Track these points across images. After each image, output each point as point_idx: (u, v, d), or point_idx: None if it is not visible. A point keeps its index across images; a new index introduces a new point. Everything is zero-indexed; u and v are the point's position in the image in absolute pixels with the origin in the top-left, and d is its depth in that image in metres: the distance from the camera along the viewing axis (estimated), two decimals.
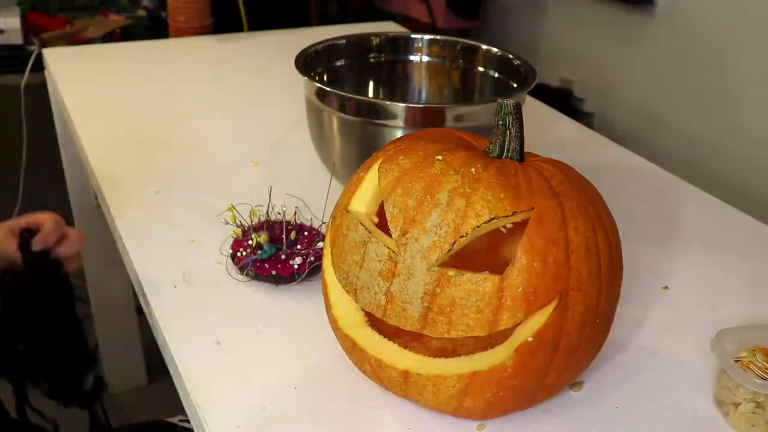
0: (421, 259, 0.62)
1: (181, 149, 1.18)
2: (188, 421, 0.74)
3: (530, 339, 0.61)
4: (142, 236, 0.95)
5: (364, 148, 0.95)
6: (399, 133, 0.93)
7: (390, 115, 0.93)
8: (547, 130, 1.34)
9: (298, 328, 0.80)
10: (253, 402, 0.70)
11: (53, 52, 1.55)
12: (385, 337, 0.68)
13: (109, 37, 2.04)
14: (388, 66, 1.18)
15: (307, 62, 1.06)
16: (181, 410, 0.75)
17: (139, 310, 1.75)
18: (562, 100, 2.01)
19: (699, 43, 1.73)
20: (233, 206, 0.91)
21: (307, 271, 0.85)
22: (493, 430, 0.69)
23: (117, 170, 1.10)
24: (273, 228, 0.89)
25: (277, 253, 0.86)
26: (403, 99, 1.19)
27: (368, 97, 1.18)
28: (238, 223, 0.90)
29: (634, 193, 1.13)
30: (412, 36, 1.18)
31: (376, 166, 0.69)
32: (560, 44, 2.18)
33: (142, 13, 2.21)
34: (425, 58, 1.17)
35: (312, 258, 0.85)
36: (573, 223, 0.63)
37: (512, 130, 0.69)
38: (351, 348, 0.70)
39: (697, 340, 0.82)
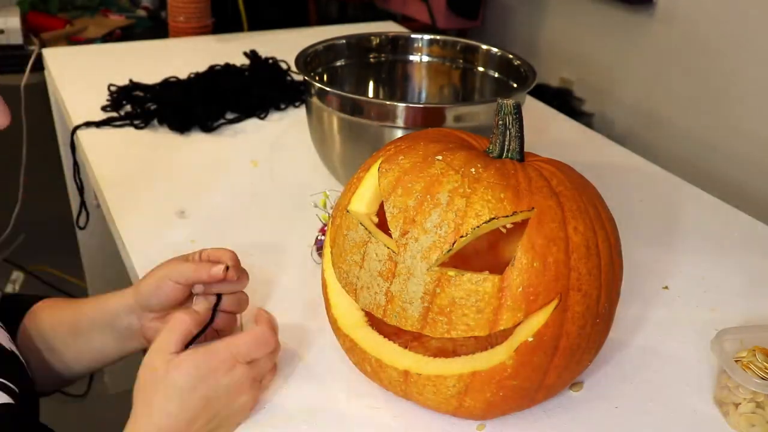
0: (421, 259, 0.62)
1: (181, 149, 1.18)
2: None
3: (530, 339, 0.61)
4: (142, 236, 0.95)
5: (364, 148, 0.95)
6: (399, 133, 0.93)
7: (390, 115, 0.93)
8: (547, 130, 1.34)
9: (299, 328, 0.80)
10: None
11: (53, 52, 1.55)
12: (385, 337, 0.68)
13: (109, 37, 2.04)
14: (388, 66, 1.18)
15: (307, 62, 1.06)
16: None
17: None
18: (562, 100, 2.01)
19: (699, 43, 1.73)
20: (327, 194, 0.91)
21: None
22: (493, 430, 0.69)
23: (117, 170, 1.10)
24: None
25: None
26: (403, 99, 1.19)
27: (368, 97, 1.18)
28: (328, 209, 0.90)
29: (634, 193, 1.13)
30: (412, 36, 1.18)
31: (376, 166, 0.69)
32: (560, 44, 2.18)
33: (142, 13, 2.22)
34: (425, 58, 1.17)
35: None
36: (573, 223, 0.63)
37: (512, 130, 0.69)
38: (351, 348, 0.70)
39: (697, 340, 0.82)
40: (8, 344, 0.74)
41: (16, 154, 1.83)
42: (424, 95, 1.19)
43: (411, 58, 1.18)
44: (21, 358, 0.75)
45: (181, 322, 0.66)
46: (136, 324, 0.78)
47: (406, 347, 0.67)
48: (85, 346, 0.81)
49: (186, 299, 0.75)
